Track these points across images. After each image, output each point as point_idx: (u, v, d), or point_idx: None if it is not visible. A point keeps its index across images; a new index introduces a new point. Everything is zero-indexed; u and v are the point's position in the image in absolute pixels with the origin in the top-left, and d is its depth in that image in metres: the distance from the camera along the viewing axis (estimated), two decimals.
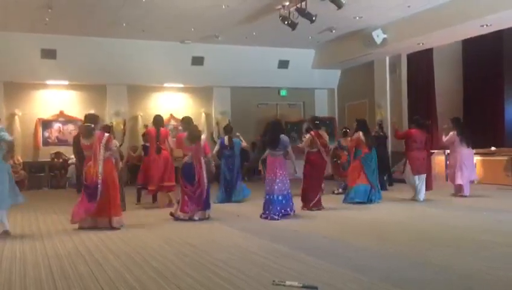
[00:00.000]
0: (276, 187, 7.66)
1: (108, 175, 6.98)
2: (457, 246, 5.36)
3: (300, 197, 8.63)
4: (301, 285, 3.91)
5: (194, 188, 7.53)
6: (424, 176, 9.52)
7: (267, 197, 7.72)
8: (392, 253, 5.14)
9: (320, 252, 5.16)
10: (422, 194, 9.46)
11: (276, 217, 7.53)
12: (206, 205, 7.67)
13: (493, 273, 4.26)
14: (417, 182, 9.47)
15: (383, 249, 5.30)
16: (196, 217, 7.53)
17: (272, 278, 4.11)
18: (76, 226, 7.01)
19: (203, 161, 7.66)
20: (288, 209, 7.75)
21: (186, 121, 8.22)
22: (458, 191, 9.92)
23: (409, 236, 6.06)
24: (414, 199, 9.45)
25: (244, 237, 6.19)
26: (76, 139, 10.37)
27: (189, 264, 4.79)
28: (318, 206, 8.56)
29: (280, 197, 7.65)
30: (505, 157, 11.93)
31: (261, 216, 7.69)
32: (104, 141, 6.97)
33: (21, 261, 5.13)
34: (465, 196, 9.71)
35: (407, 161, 9.60)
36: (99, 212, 6.92)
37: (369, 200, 9.10)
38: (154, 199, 9.75)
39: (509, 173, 11.55)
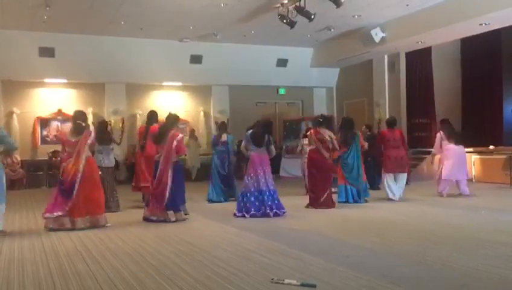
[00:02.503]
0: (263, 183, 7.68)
1: (90, 174, 6.95)
2: (454, 245, 5.36)
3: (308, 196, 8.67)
4: (299, 283, 3.91)
5: (155, 185, 7.40)
6: (400, 175, 9.47)
7: (256, 193, 7.66)
8: (390, 251, 5.14)
9: (318, 250, 5.16)
10: (398, 193, 9.40)
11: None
12: (170, 206, 7.34)
13: (489, 271, 4.27)
14: (389, 181, 9.41)
15: (381, 247, 5.31)
16: (172, 219, 7.29)
17: (271, 276, 4.12)
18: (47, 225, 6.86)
19: (172, 160, 7.39)
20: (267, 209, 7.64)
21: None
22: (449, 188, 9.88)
23: (407, 234, 6.07)
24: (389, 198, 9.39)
25: (243, 236, 6.19)
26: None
27: (187, 262, 4.80)
28: (327, 205, 8.42)
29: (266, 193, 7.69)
30: (503, 156, 11.94)
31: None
32: (90, 140, 7.02)
33: (19, 259, 5.13)
34: (442, 195, 9.70)
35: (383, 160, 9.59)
36: (78, 213, 6.80)
37: (354, 201, 8.97)
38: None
39: (507, 171, 11.56)
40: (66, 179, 6.84)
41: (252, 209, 7.58)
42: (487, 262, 4.54)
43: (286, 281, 3.97)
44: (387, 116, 10.26)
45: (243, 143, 8.04)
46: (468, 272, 4.24)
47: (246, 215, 7.58)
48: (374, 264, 4.57)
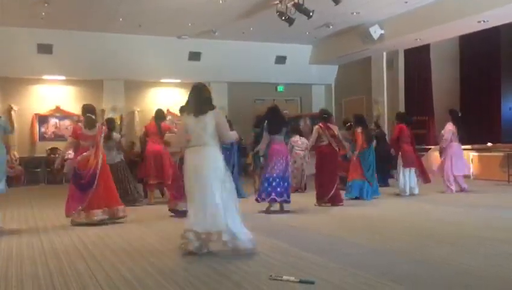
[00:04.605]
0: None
1: (106, 167, 7.12)
2: (455, 243, 5.36)
3: (315, 194, 8.57)
4: (298, 280, 3.91)
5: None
6: (413, 170, 9.63)
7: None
8: (390, 249, 5.14)
9: (317, 248, 5.16)
10: (410, 187, 9.58)
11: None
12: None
13: (491, 270, 4.26)
14: (406, 176, 9.56)
15: (381, 245, 5.30)
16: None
17: (269, 273, 4.11)
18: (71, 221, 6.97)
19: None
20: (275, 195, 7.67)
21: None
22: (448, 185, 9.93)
23: (407, 232, 6.07)
24: (401, 194, 9.55)
25: None
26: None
27: (187, 259, 4.79)
28: (336, 202, 8.31)
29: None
30: (501, 153, 11.96)
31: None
32: (104, 133, 7.23)
33: (17, 257, 5.11)
34: (451, 192, 9.77)
35: (400, 155, 9.66)
36: (96, 204, 6.86)
37: (365, 197, 9.02)
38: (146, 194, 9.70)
39: (505, 169, 11.57)
40: (87, 172, 6.87)
41: (273, 194, 7.63)
42: (488, 261, 4.53)
43: (284, 277, 3.96)
44: (403, 113, 10.40)
45: (263, 140, 7.92)
46: (469, 270, 4.23)
47: (266, 199, 7.66)
48: (373, 262, 4.57)
